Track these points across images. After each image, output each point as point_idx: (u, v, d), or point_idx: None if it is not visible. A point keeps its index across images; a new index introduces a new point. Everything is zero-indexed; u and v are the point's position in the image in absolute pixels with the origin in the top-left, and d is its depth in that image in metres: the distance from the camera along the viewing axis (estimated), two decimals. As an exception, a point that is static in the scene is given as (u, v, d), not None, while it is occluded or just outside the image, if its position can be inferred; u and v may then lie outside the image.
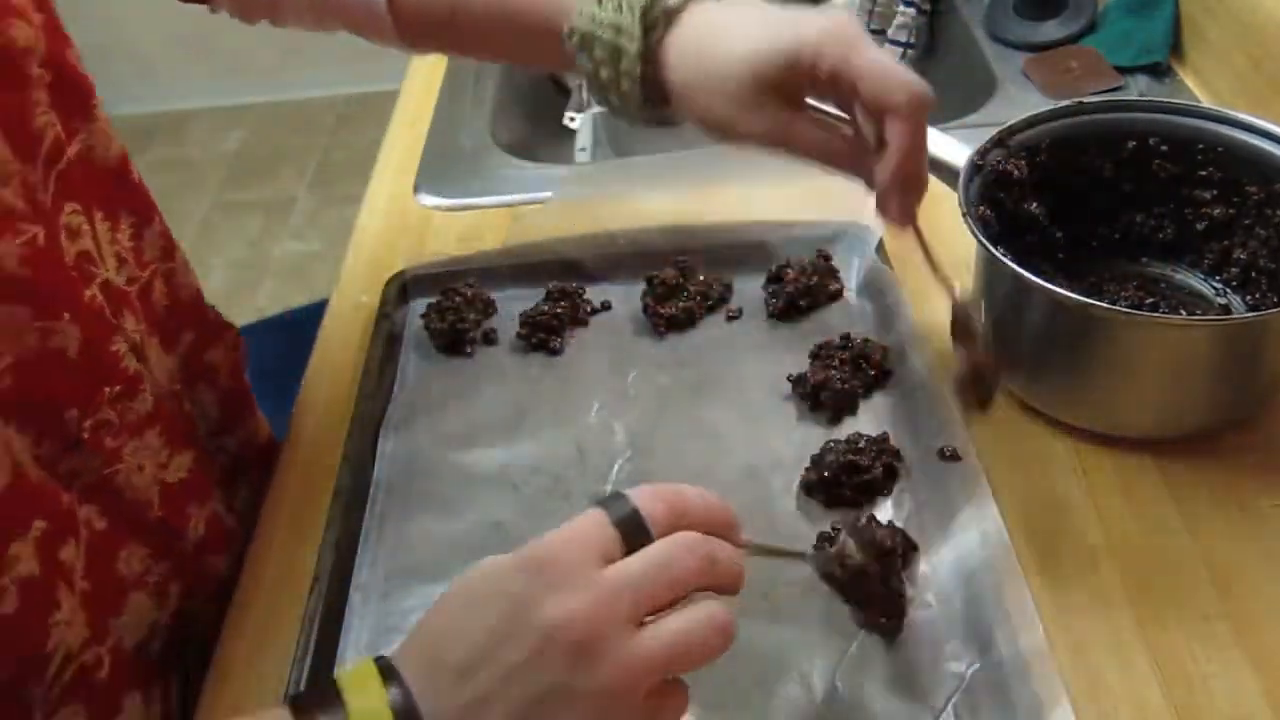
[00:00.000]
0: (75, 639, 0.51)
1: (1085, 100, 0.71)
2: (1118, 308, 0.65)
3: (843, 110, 0.56)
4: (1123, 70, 0.98)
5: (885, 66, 0.52)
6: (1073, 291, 0.59)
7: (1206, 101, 0.93)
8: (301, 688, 0.56)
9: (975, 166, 0.66)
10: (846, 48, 0.52)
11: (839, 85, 0.53)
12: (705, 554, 0.42)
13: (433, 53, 0.82)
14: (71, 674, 0.51)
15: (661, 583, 0.41)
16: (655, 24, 0.55)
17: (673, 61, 0.56)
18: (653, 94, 0.57)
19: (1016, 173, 0.68)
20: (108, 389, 0.55)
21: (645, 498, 0.43)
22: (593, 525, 0.42)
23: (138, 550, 0.57)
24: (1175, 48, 0.99)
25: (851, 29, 0.52)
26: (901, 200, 0.55)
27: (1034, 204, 0.70)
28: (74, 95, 0.57)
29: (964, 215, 0.62)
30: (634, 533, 0.42)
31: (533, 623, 0.39)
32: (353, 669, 0.42)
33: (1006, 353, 0.68)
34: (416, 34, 0.67)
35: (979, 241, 0.61)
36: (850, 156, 0.55)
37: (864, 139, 0.55)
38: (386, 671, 0.41)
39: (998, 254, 0.60)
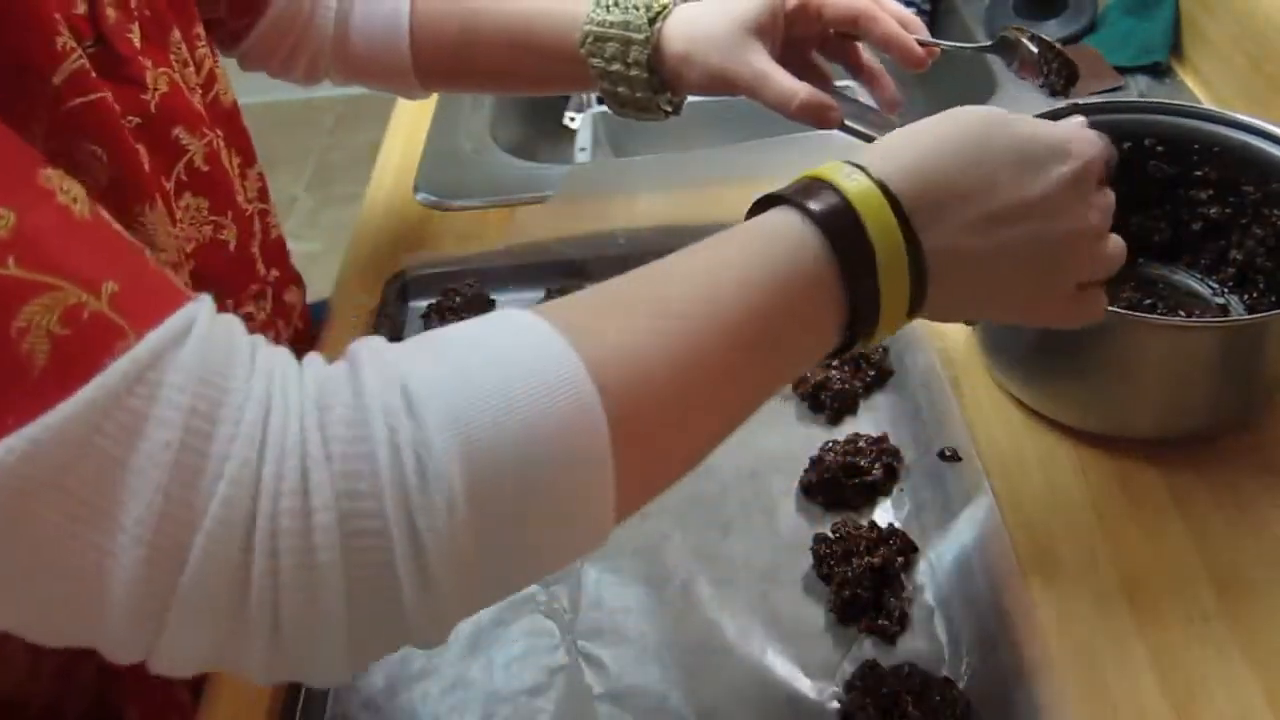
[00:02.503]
0: None
1: (1081, 102, 0.71)
2: (1116, 309, 0.65)
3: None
4: (1123, 70, 0.98)
5: None
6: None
7: (1206, 101, 0.93)
8: (300, 701, 0.56)
9: None
10: None
11: (809, 14, 0.65)
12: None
13: (446, 90, 0.90)
14: None
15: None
16: (656, 18, 0.67)
17: (670, 41, 0.66)
18: (657, 78, 0.68)
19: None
20: (253, 286, 0.66)
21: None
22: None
23: None
24: (1175, 48, 0.99)
25: None
26: (910, 41, 0.64)
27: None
28: (210, 39, 0.65)
29: None
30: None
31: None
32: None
33: (1005, 355, 0.68)
34: (432, 72, 0.76)
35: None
36: (820, 107, 0.63)
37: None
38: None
39: None
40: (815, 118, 0.63)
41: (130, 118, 0.52)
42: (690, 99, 0.72)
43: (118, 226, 0.36)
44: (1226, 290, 0.71)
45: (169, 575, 0.32)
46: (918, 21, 0.65)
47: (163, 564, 0.32)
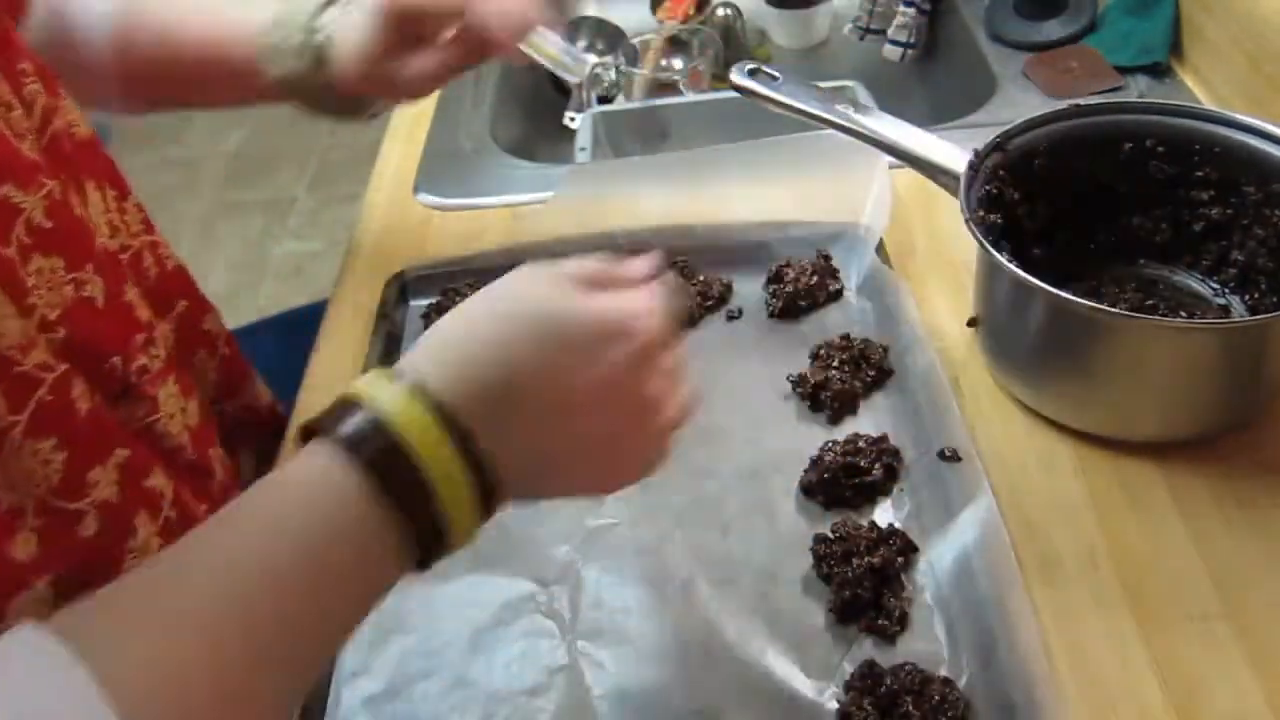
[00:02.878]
0: None
1: (1081, 103, 0.71)
2: (1118, 310, 0.65)
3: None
4: (1123, 70, 0.98)
5: None
6: (1071, 294, 0.59)
7: (1206, 101, 0.93)
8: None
9: (974, 170, 0.66)
10: None
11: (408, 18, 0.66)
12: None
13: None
14: None
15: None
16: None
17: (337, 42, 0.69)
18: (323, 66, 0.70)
19: (1014, 192, 0.69)
20: (138, 335, 0.57)
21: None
22: None
23: (183, 491, 0.58)
24: (1175, 48, 0.99)
25: None
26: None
27: (1033, 207, 0.70)
28: (46, 69, 0.59)
29: (966, 221, 0.62)
30: None
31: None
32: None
33: (1006, 357, 0.68)
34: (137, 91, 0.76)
35: (981, 246, 0.61)
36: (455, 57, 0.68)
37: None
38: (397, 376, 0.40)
39: (1002, 259, 0.60)
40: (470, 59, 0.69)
41: None
42: (690, 99, 0.72)
43: None
44: (1228, 291, 0.71)
45: None
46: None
47: None
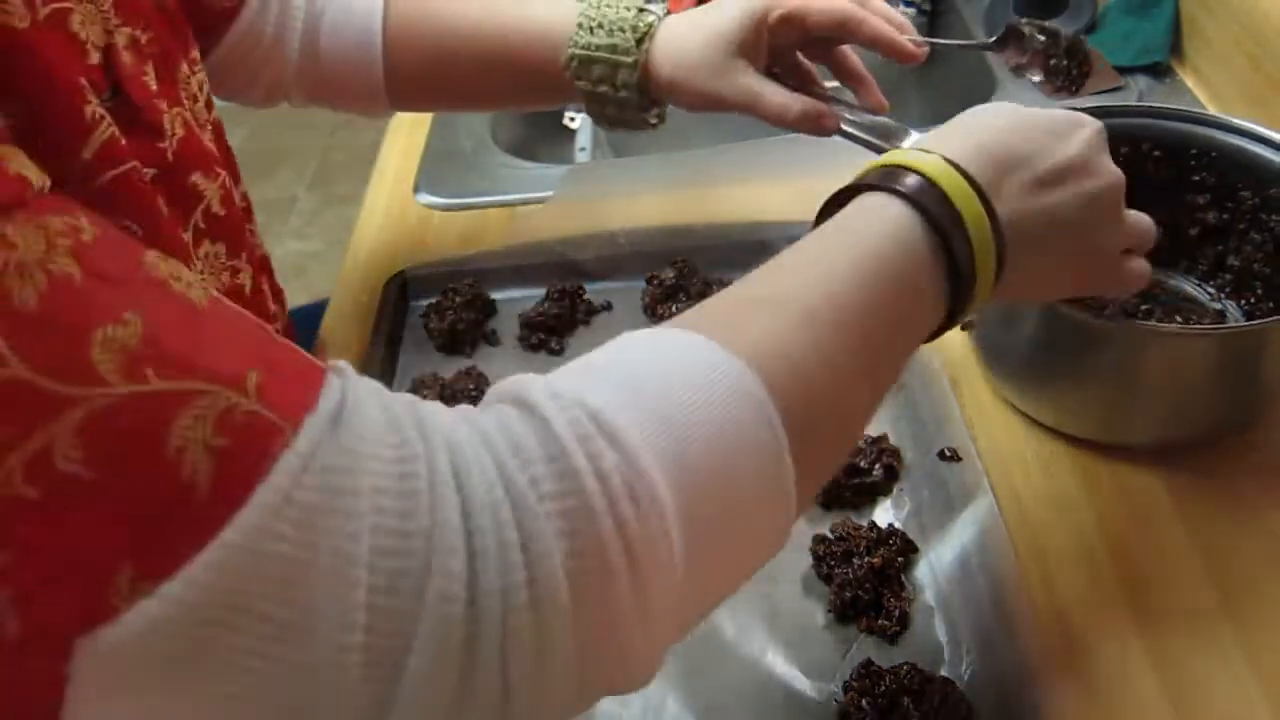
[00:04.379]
0: None
1: (1079, 104, 0.71)
2: (1114, 317, 0.65)
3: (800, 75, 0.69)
4: (1123, 70, 0.98)
5: None
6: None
7: (1206, 101, 0.93)
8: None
9: None
10: None
11: (793, 24, 0.64)
12: None
13: (418, 110, 0.86)
14: None
15: None
16: (642, 39, 0.66)
17: (658, 64, 0.66)
18: (645, 96, 0.67)
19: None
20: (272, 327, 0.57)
21: None
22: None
23: None
24: (1175, 48, 0.99)
25: None
26: (899, 36, 0.64)
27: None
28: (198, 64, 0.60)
29: None
30: None
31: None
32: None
33: (1003, 364, 0.68)
34: (404, 93, 0.74)
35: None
36: (807, 117, 0.64)
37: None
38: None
39: None
40: (812, 126, 0.64)
41: (147, 170, 0.47)
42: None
43: (230, 303, 0.33)
44: (1224, 295, 0.71)
45: (389, 673, 0.30)
46: (905, 22, 0.65)
47: (382, 663, 0.29)
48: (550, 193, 0.89)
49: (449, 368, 0.76)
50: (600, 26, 0.66)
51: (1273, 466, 0.62)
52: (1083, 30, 1.04)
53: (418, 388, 0.72)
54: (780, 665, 0.56)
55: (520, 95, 0.74)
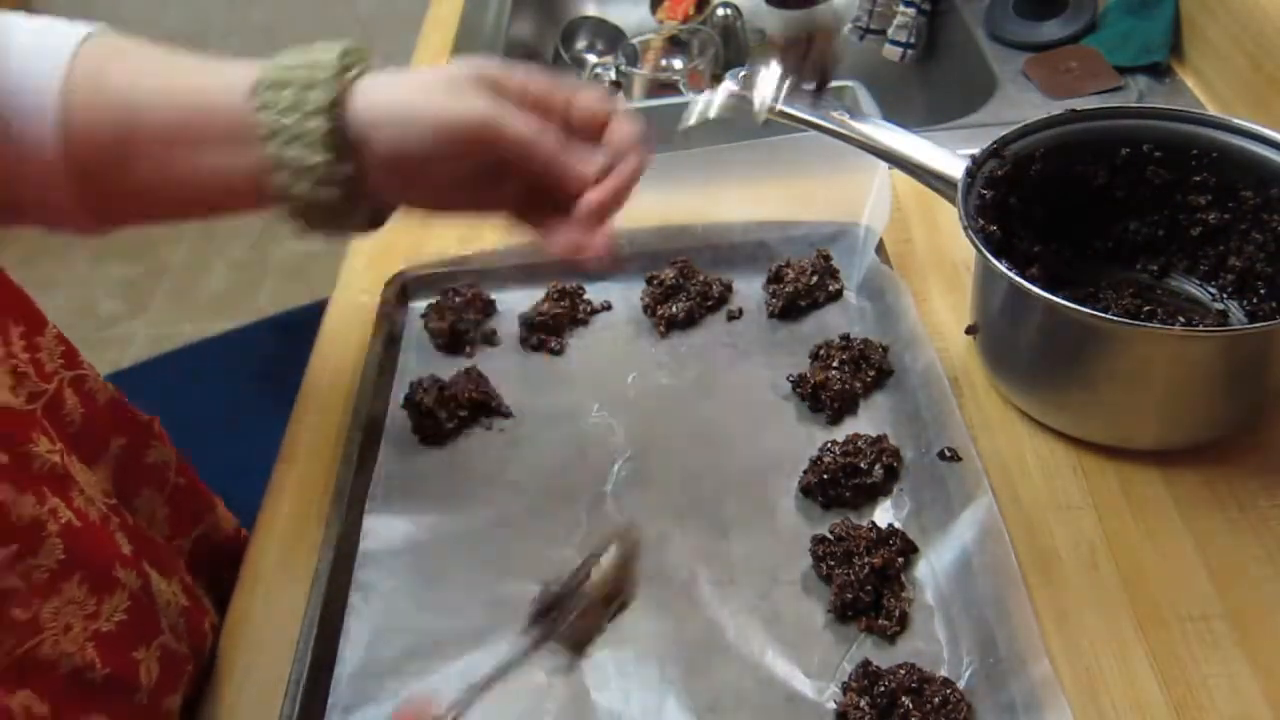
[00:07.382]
0: None
1: (1078, 108, 0.71)
2: (1118, 318, 0.65)
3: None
4: (1123, 70, 0.98)
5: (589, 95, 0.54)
6: (1068, 300, 0.58)
7: (1207, 101, 0.93)
8: (300, 688, 0.56)
9: (971, 177, 0.66)
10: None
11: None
12: None
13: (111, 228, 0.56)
14: None
15: None
16: (350, 65, 0.51)
17: (366, 90, 0.51)
18: (340, 136, 0.50)
19: (1011, 198, 0.69)
20: (1, 550, 0.46)
21: None
22: None
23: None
24: (1175, 48, 0.99)
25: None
26: (593, 230, 0.53)
27: (1030, 213, 0.70)
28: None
29: (965, 229, 0.62)
30: None
31: None
32: None
33: (1005, 365, 0.68)
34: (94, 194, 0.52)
35: (980, 253, 0.61)
36: (530, 209, 0.55)
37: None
38: None
39: (1001, 266, 0.60)
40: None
41: None
42: (690, 99, 0.72)
43: None
44: (1226, 296, 0.71)
45: None
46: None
47: None
48: (550, 193, 0.89)
49: (449, 368, 0.75)
50: (302, 53, 0.52)
51: (1274, 467, 0.62)
52: (1082, 31, 1.04)
53: (417, 388, 0.72)
54: (780, 665, 0.56)
55: (206, 183, 0.53)
